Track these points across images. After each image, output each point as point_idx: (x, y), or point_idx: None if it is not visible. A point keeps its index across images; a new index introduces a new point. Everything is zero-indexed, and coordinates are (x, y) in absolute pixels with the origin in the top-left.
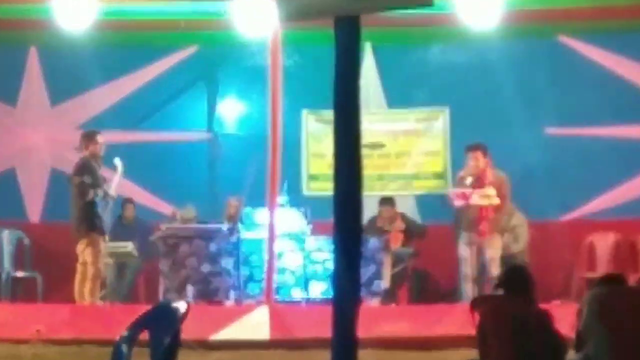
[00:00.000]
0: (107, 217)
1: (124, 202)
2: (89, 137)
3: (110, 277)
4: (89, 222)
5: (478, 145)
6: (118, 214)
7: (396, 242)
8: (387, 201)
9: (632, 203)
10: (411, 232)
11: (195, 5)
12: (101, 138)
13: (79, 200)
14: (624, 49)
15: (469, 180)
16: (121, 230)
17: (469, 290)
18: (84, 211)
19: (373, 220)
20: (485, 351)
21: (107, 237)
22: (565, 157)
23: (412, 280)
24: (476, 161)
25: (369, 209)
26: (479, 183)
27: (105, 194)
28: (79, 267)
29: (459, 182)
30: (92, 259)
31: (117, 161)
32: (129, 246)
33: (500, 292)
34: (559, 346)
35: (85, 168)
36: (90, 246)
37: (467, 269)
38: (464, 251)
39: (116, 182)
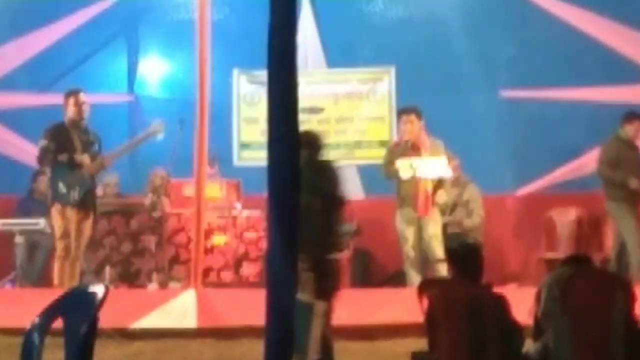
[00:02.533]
0: (76, 185)
1: (35, 174)
2: (67, 97)
3: (21, 258)
4: (51, 190)
5: (412, 108)
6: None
7: None
8: None
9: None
10: None
11: None
12: (83, 97)
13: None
14: (589, 1)
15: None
16: (32, 205)
17: (413, 272)
18: (49, 179)
19: None
20: (435, 340)
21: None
22: (522, 122)
23: (354, 261)
24: (411, 125)
25: None
26: (415, 151)
27: (71, 160)
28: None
29: (392, 150)
30: (55, 233)
31: (156, 124)
32: (40, 223)
33: (451, 274)
34: (515, 335)
35: (51, 132)
36: (53, 218)
37: (409, 249)
38: (404, 230)
39: (129, 146)
